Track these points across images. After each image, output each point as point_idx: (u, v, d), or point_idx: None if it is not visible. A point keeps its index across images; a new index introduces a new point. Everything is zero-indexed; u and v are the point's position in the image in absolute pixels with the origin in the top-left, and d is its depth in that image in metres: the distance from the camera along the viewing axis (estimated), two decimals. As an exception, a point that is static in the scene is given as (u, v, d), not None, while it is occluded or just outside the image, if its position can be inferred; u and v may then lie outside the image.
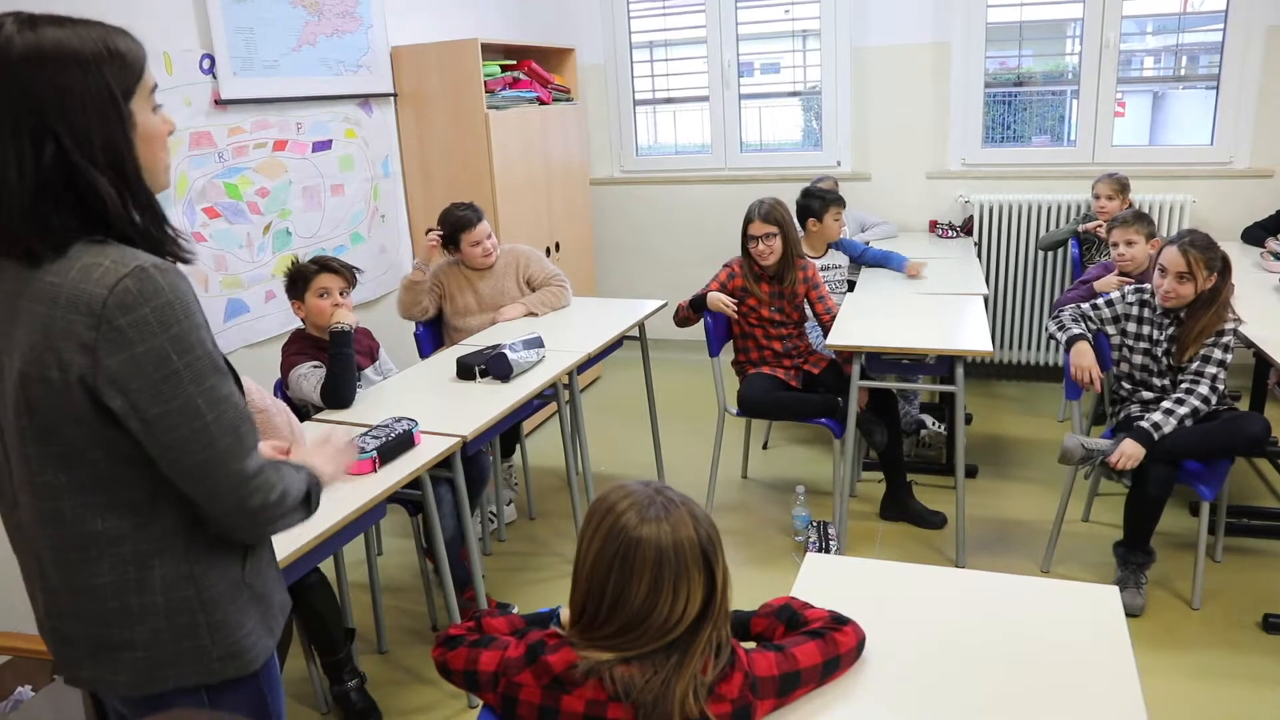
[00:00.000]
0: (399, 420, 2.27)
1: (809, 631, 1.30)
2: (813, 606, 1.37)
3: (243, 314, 3.30)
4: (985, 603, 1.53)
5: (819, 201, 3.74)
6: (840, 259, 3.88)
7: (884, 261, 3.99)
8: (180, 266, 1.13)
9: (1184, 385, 2.70)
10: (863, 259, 4.02)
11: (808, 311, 3.44)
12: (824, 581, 1.63)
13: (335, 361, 2.57)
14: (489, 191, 4.00)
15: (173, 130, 1.19)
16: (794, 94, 5.22)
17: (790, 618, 1.35)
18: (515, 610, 2.98)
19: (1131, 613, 2.70)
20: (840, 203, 3.80)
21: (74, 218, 1.06)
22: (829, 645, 1.28)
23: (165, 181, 1.17)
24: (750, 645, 1.34)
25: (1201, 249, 2.64)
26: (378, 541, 3.39)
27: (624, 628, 1.16)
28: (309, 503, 1.25)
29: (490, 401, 2.59)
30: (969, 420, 4.20)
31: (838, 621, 1.32)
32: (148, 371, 1.05)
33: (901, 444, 3.39)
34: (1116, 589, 1.50)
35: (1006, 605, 1.52)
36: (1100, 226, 4.00)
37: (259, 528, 1.20)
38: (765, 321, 3.36)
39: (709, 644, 1.18)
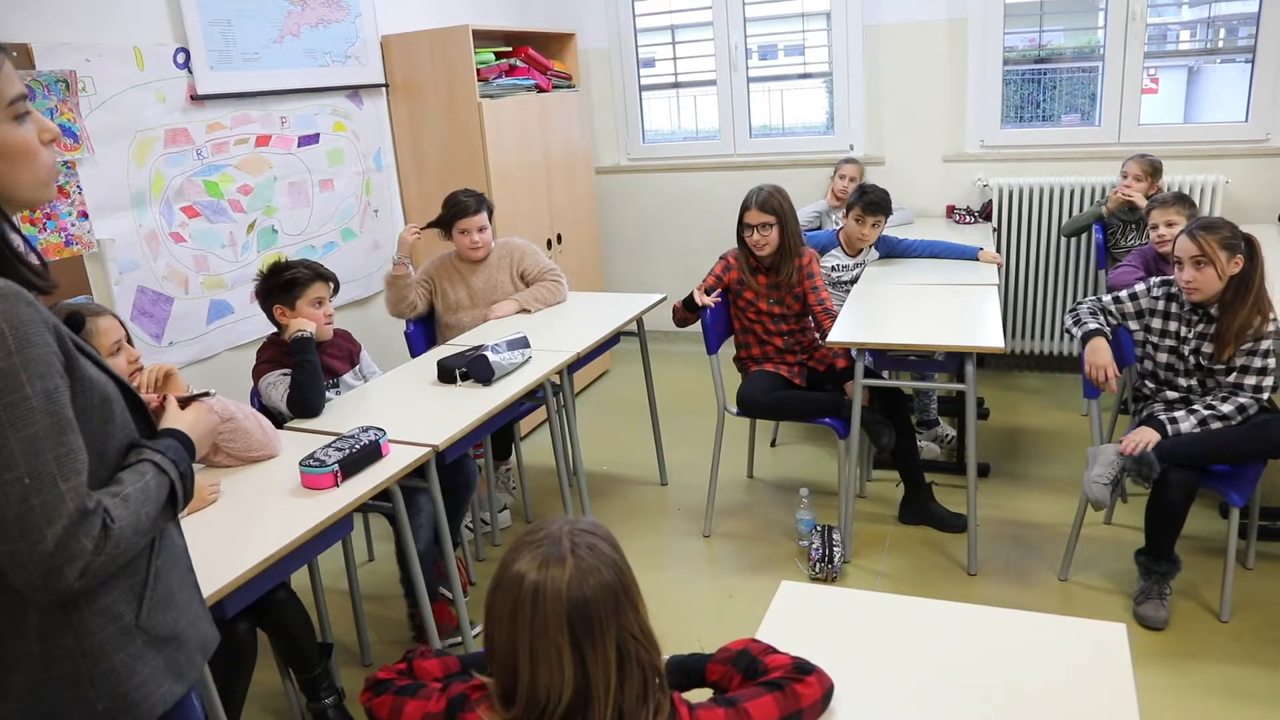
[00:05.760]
0: (366, 430, 2.16)
1: (767, 682, 1.16)
2: (776, 651, 1.23)
3: (226, 315, 3.21)
4: (974, 643, 1.38)
5: (852, 199, 3.58)
6: (843, 258, 3.65)
7: (943, 253, 3.71)
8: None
9: (1220, 394, 2.52)
10: (909, 254, 3.74)
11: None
12: (799, 613, 1.50)
13: (299, 369, 2.46)
14: (484, 183, 3.87)
15: (55, 138, 1.09)
16: (804, 76, 5.02)
17: (749, 665, 1.21)
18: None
19: (1154, 626, 2.53)
20: (860, 205, 3.52)
21: None
22: (789, 699, 1.14)
23: (31, 199, 1.07)
24: (705, 693, 1.21)
25: (1211, 229, 2.48)
26: (368, 548, 3.31)
27: (507, 693, 1.04)
28: (174, 501, 1.15)
29: (469, 407, 2.48)
30: (986, 415, 4.01)
31: (800, 671, 1.18)
32: None
33: (915, 445, 3.21)
34: (1123, 626, 1.34)
35: (997, 645, 1.37)
36: (1129, 197, 3.74)
37: (65, 594, 1.02)
38: (764, 316, 3.20)
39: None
